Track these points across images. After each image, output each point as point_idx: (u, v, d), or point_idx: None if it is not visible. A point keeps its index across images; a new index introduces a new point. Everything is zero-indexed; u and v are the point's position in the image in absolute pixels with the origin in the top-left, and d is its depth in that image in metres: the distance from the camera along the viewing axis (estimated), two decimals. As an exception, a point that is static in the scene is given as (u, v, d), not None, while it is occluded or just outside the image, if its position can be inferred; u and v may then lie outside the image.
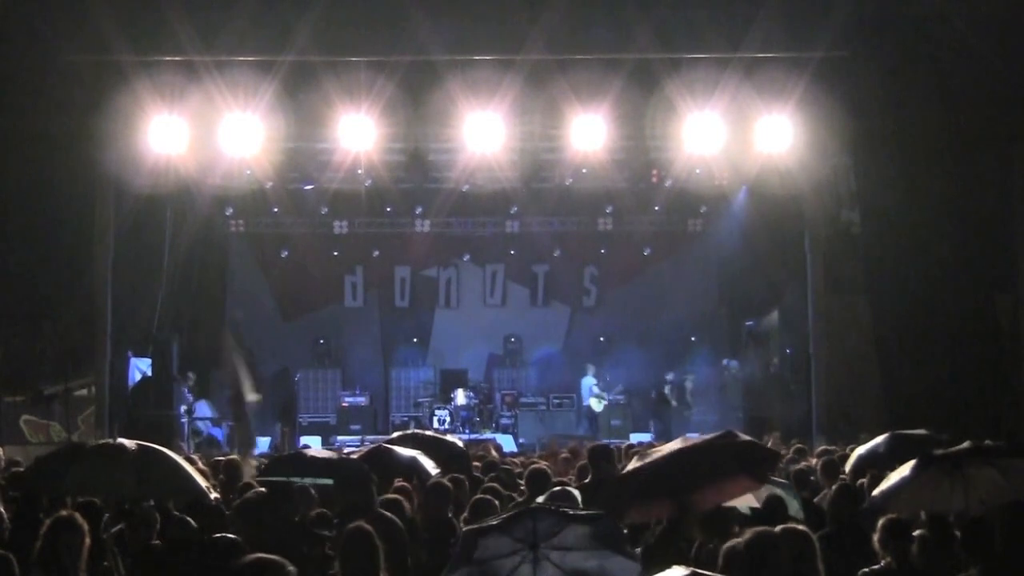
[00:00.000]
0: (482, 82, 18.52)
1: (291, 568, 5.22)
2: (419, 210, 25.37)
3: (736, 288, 25.40)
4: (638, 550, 6.45)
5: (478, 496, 9.26)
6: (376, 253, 26.33)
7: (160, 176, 19.62)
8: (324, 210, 25.12)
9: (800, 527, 6.85)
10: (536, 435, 22.95)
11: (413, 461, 10.56)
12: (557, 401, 24.85)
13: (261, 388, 13.57)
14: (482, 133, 19.49)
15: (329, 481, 9.35)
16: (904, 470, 7.90)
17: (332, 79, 18.27)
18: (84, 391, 19.68)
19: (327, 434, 23.55)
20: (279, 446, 21.10)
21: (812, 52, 17.96)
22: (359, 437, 22.10)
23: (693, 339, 25.54)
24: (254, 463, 9.79)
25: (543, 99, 18.90)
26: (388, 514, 8.62)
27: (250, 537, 7.02)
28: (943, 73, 18.07)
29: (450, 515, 9.26)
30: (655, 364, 24.82)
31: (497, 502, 9.04)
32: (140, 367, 21.40)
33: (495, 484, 10.13)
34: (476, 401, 24.63)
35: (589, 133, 19.46)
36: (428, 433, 15.10)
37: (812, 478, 11.17)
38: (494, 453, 15.27)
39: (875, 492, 8.16)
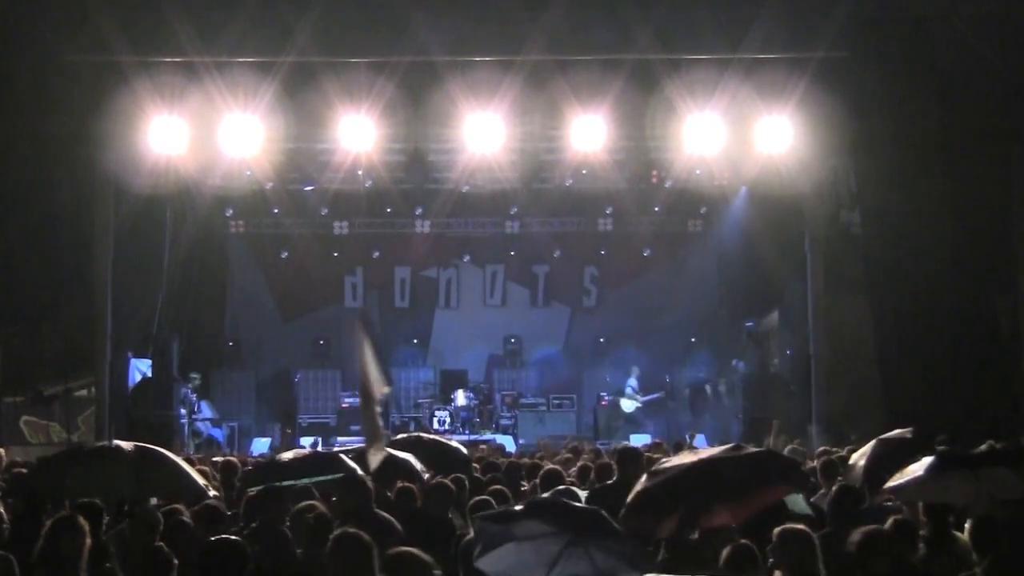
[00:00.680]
0: (482, 82, 18.50)
1: (437, 570, 5.26)
2: (419, 211, 25.38)
3: (736, 288, 25.36)
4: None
5: (479, 497, 9.24)
6: (376, 254, 26.32)
7: (160, 176, 19.60)
8: (324, 211, 25.12)
9: (800, 527, 6.86)
10: (536, 436, 22.97)
11: (407, 463, 10.56)
12: (557, 402, 24.85)
13: (391, 381, 13.47)
14: (482, 133, 19.47)
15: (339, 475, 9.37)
16: (918, 468, 7.99)
17: (332, 79, 18.24)
18: (84, 392, 19.67)
19: (327, 435, 23.47)
20: (279, 447, 21.08)
21: (812, 52, 17.94)
22: (360, 438, 22.01)
23: (693, 340, 25.53)
24: (379, 456, 9.76)
25: (543, 99, 18.87)
26: (384, 514, 8.63)
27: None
28: (943, 73, 18.06)
29: (450, 515, 9.26)
30: (655, 364, 24.81)
31: (496, 503, 9.03)
32: (140, 368, 21.38)
33: (499, 485, 10.11)
34: (476, 402, 24.62)
35: (589, 133, 19.44)
36: (431, 437, 15.03)
37: (812, 479, 11.17)
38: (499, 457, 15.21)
39: (887, 485, 8.34)
